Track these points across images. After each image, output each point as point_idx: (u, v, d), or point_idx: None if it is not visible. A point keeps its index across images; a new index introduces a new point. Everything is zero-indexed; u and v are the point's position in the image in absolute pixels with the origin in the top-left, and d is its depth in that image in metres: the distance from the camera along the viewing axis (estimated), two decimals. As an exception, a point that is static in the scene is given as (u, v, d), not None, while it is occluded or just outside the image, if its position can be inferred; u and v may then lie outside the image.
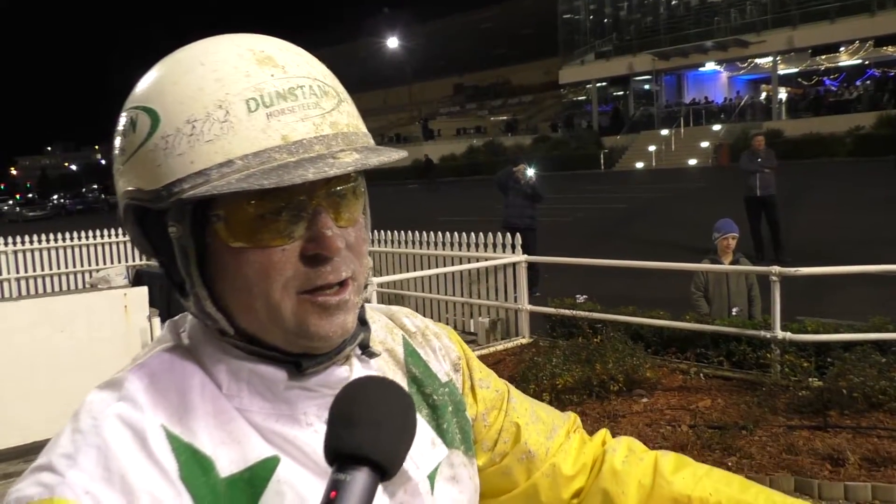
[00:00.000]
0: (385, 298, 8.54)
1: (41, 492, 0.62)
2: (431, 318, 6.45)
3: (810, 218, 13.74)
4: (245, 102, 0.64)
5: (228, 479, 0.67)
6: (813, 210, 14.74)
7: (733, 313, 6.06)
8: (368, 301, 0.79)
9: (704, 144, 31.58)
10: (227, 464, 0.67)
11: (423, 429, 0.81)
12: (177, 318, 0.78)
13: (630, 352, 5.46)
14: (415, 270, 8.09)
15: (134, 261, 12.88)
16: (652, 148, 33.45)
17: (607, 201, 20.46)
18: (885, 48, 32.30)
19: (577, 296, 6.87)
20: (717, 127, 33.19)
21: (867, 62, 34.71)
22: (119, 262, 12.71)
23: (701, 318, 5.95)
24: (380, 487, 0.61)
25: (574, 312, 6.38)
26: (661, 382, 5.46)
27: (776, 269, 5.38)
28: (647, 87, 40.20)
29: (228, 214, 0.66)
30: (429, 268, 8.08)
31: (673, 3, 43.26)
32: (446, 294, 7.99)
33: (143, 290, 5.41)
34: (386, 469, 0.59)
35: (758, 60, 36.04)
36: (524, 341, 7.02)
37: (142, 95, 0.69)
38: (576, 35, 43.53)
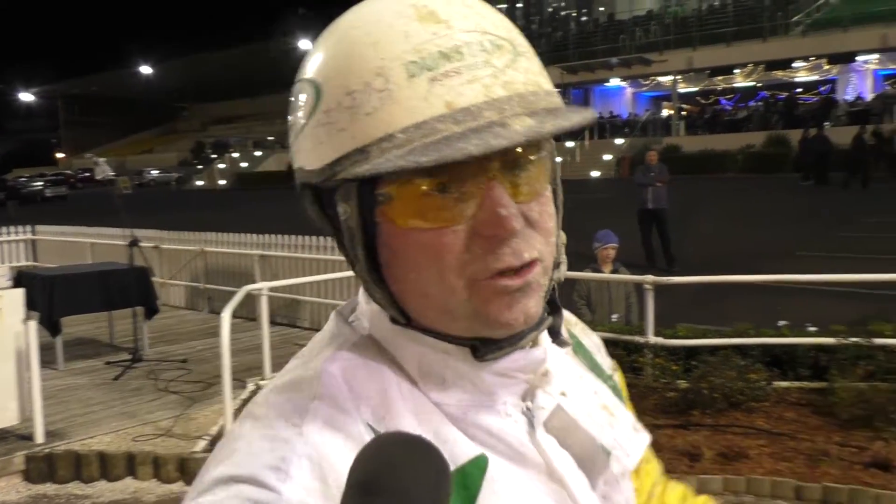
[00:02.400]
0: (280, 303, 8.51)
1: None
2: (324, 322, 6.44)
3: (702, 230, 14.42)
4: (405, 67, 0.57)
5: None
6: (705, 223, 15.47)
7: (612, 319, 6.36)
8: (561, 282, 0.70)
9: (608, 157, 32.67)
10: None
11: (624, 413, 0.77)
12: (342, 307, 0.72)
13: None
14: (307, 276, 8.09)
15: (19, 261, 12.34)
16: (558, 159, 33.87)
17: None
18: (774, 72, 34.33)
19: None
20: (620, 140, 34.39)
21: (759, 84, 36.81)
22: (4, 262, 12.14)
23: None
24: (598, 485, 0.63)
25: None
26: (542, 385, 5.67)
27: (650, 278, 5.70)
28: (555, 99, 41.26)
29: (395, 193, 0.59)
30: (323, 273, 8.10)
31: (582, 19, 44.69)
32: (342, 299, 8.02)
33: (20, 293, 5.24)
34: None
35: (660, 78, 37.59)
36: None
37: (307, 68, 0.64)
38: (488, 46, 44.31)
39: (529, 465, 0.65)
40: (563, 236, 0.71)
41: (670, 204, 11.36)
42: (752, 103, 36.43)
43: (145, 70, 66.93)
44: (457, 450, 0.62)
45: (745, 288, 8.10)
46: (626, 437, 0.73)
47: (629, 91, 41.88)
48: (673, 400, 5.09)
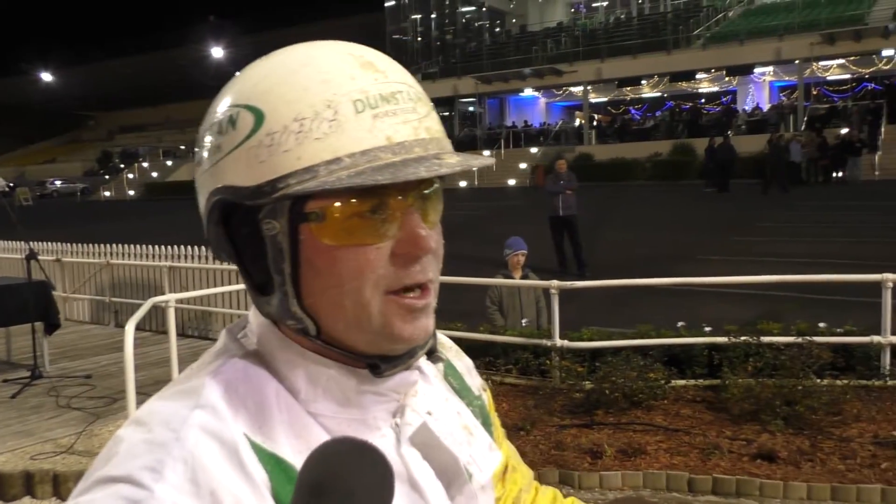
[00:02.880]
0: (191, 315, 8.34)
1: None
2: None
3: (612, 236, 14.86)
4: (352, 103, 0.66)
5: None
6: (615, 229, 15.94)
7: (523, 324, 6.53)
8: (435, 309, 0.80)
9: (523, 165, 33.26)
10: None
11: (481, 433, 0.83)
12: (232, 326, 0.77)
13: (426, 362, 5.73)
14: (218, 286, 7.97)
15: None
16: (475, 168, 34.68)
17: (430, 218, 20.96)
18: (679, 83, 35.76)
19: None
20: (534, 149, 35.08)
21: (665, 95, 38.27)
22: None
23: (493, 329, 6.37)
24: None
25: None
26: (454, 390, 5.76)
27: (555, 283, 5.89)
28: (471, 108, 41.78)
29: (328, 211, 0.66)
30: (235, 284, 7.99)
31: (496, 30, 45.45)
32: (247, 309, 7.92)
33: None
34: None
35: (572, 88, 38.57)
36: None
37: (242, 95, 0.69)
38: (403, 55, 44.45)
39: (396, 477, 0.72)
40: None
41: (581, 210, 11.67)
42: (658, 113, 37.85)
43: (45, 77, 64.04)
44: None
45: (650, 290, 8.43)
46: (482, 454, 0.81)
47: (542, 101, 42.80)
48: (578, 401, 5.27)
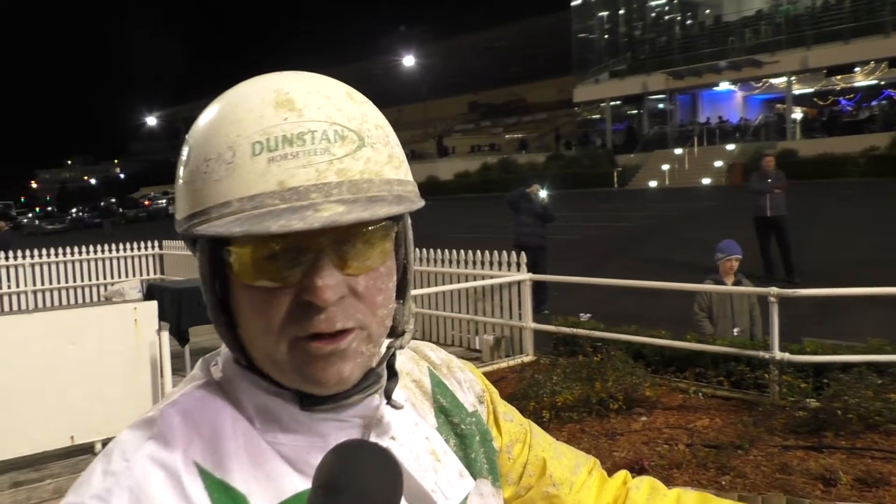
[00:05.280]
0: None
1: None
2: (436, 334, 6.57)
3: (823, 238, 13.72)
4: (251, 145, 0.64)
5: None
6: (825, 230, 14.71)
7: (734, 333, 6.11)
8: (401, 348, 0.77)
9: (718, 164, 31.54)
10: (261, 500, 0.67)
11: (451, 460, 0.81)
12: (208, 355, 0.79)
13: (630, 370, 5.52)
14: (421, 287, 8.18)
15: (148, 275, 13.07)
16: (665, 167, 33.44)
17: (619, 220, 20.50)
18: (899, 69, 32.24)
19: (581, 314, 6.95)
20: (731, 146, 33.14)
21: (882, 83, 34.60)
22: (134, 275, 12.91)
23: (701, 337, 6.01)
24: None
25: (575, 331, 6.45)
26: (660, 401, 5.51)
27: (774, 290, 5.44)
28: (661, 105, 40.26)
29: (235, 251, 0.66)
30: (435, 285, 8.18)
31: (687, 23, 43.44)
32: (452, 311, 8.08)
33: (153, 304, 5.54)
34: None
35: (772, 80, 36.02)
36: (527, 359, 7.09)
37: (193, 128, 0.71)
38: (590, 54, 43.73)
39: None
40: (413, 307, 0.77)
41: (788, 211, 10.86)
42: (874, 103, 34.32)
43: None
44: (282, 485, 0.68)
45: (871, 300, 7.63)
46: (448, 482, 0.78)
47: (739, 94, 40.32)
48: (802, 420, 4.82)
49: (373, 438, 0.74)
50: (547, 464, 0.93)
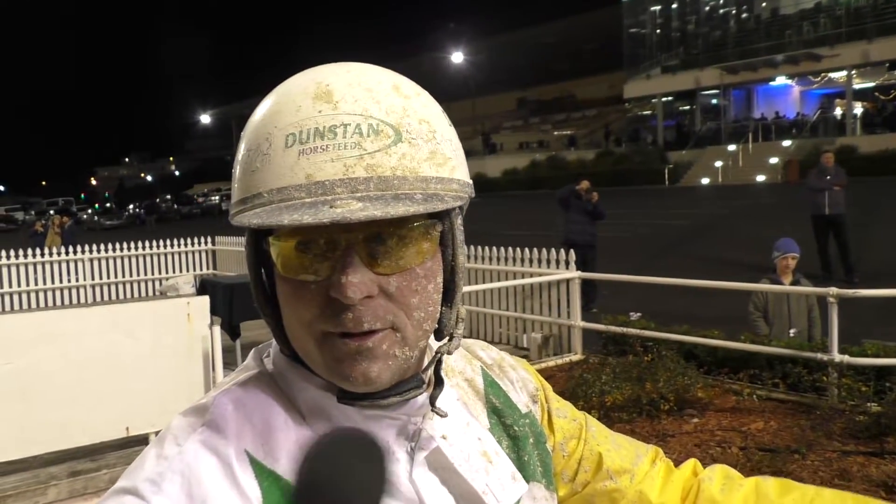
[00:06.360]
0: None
1: None
2: (484, 332, 6.53)
3: (883, 237, 13.28)
4: (285, 137, 0.64)
5: None
6: (886, 229, 14.24)
7: (791, 334, 5.94)
8: (449, 353, 0.74)
9: (773, 160, 30.82)
10: None
11: (504, 461, 0.79)
12: (261, 346, 0.78)
13: (682, 371, 5.42)
14: (468, 285, 8.17)
15: (201, 270, 13.34)
16: (718, 163, 32.81)
17: (671, 217, 20.18)
18: (968, 61, 31.02)
19: (631, 313, 6.85)
20: (787, 142, 32.34)
21: (948, 76, 33.37)
22: (187, 270, 13.19)
23: (755, 338, 5.86)
24: None
25: (625, 330, 6.36)
26: (713, 403, 5.39)
27: (834, 290, 5.27)
28: (714, 101, 39.49)
29: (274, 242, 0.66)
30: (482, 282, 8.15)
31: (742, 16, 42.46)
32: (500, 309, 8.04)
33: (205, 299, 5.63)
34: None
35: (832, 74, 35.02)
36: (576, 358, 7.02)
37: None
38: (641, 49, 43.08)
39: (403, 500, 0.69)
40: (463, 310, 0.74)
41: (848, 209, 10.53)
42: (940, 97, 33.11)
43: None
44: None
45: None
46: (500, 484, 0.77)
47: (796, 89, 39.27)
48: (863, 424, 4.66)
49: (424, 436, 0.73)
50: (603, 457, 0.91)
